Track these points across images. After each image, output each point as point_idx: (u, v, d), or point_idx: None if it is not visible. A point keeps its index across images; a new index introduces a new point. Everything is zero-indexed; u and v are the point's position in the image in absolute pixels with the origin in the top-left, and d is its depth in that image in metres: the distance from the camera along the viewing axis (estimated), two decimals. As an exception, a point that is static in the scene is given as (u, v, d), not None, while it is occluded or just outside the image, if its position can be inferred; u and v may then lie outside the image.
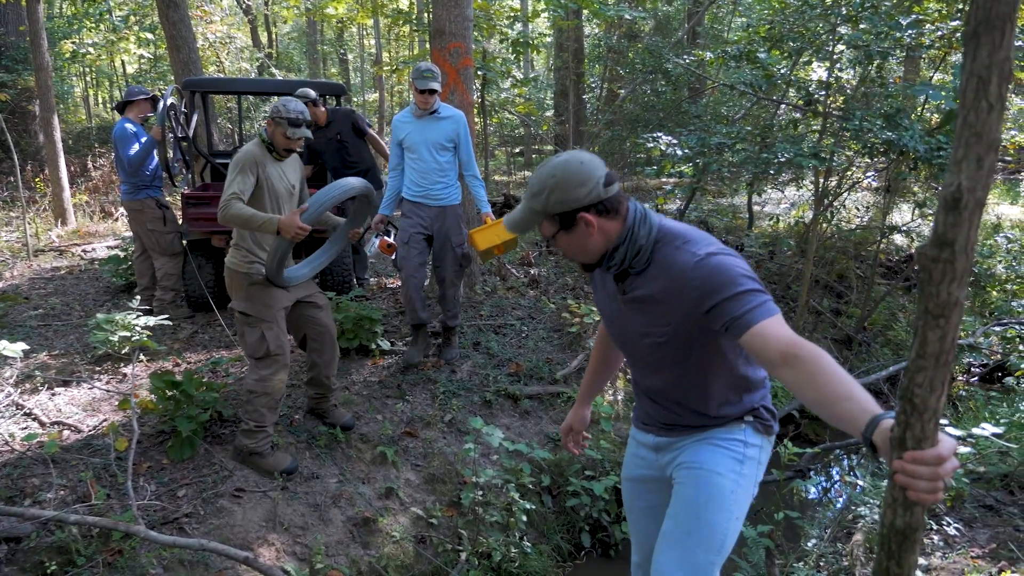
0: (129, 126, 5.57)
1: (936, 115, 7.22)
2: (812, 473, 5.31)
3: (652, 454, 2.26)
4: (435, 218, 4.78)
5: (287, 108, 3.58)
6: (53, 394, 4.49)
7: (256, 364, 3.69)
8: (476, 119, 8.98)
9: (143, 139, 5.57)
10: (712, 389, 2.03)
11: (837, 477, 5.50)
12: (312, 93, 5.75)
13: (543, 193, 1.91)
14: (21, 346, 4.22)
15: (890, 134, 5.38)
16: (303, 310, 3.92)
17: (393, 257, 4.93)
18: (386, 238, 4.78)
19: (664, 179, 11.51)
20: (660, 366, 2.06)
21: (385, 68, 16.27)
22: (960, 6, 6.17)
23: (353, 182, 3.60)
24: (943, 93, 5.09)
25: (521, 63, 18.32)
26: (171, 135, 5.80)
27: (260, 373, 3.68)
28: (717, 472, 2.01)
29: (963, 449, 3.95)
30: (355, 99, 22.79)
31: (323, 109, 5.96)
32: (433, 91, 4.53)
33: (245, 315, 3.65)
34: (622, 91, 11.20)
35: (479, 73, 10.10)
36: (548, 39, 17.20)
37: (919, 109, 7.31)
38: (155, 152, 5.64)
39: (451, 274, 4.93)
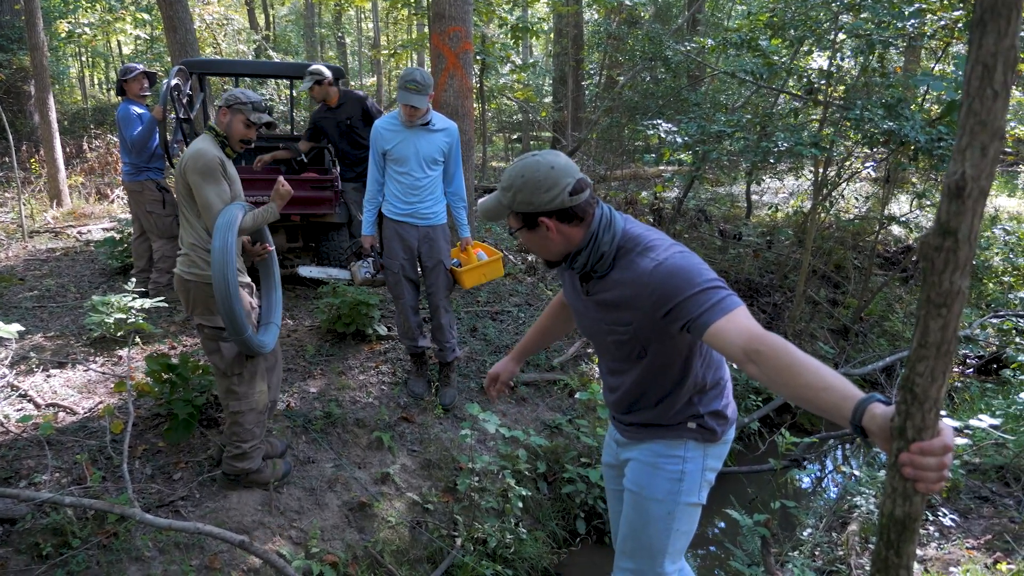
0: (134, 107, 5.55)
1: (937, 106, 7.20)
2: (807, 462, 5.33)
3: (615, 446, 2.41)
4: (423, 239, 4.31)
5: (246, 94, 3.19)
6: (48, 376, 4.48)
7: (236, 382, 3.30)
8: (475, 104, 8.93)
9: (147, 119, 5.55)
10: (668, 387, 2.10)
11: (832, 467, 5.52)
12: (325, 70, 5.59)
13: (511, 190, 1.96)
14: (16, 327, 4.17)
15: (891, 124, 5.36)
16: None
17: (371, 276, 4.47)
18: (359, 262, 4.45)
19: (663, 167, 11.49)
20: (622, 359, 2.13)
21: (383, 52, 16.17)
22: (963, -5, 6.12)
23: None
24: (944, 84, 5.06)
25: (520, 49, 18.24)
26: (173, 116, 5.75)
27: (240, 390, 3.31)
28: (655, 499, 2.18)
29: (960, 441, 3.96)
30: (353, 83, 22.66)
31: (335, 90, 5.73)
32: (415, 108, 3.99)
33: (220, 330, 3.21)
34: (621, 78, 11.15)
35: (478, 58, 10.05)
36: (547, 25, 17.12)
37: (919, 100, 7.28)
38: (156, 132, 5.61)
39: (444, 300, 4.47)
